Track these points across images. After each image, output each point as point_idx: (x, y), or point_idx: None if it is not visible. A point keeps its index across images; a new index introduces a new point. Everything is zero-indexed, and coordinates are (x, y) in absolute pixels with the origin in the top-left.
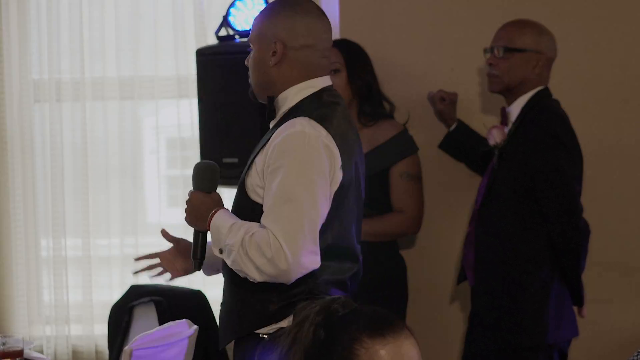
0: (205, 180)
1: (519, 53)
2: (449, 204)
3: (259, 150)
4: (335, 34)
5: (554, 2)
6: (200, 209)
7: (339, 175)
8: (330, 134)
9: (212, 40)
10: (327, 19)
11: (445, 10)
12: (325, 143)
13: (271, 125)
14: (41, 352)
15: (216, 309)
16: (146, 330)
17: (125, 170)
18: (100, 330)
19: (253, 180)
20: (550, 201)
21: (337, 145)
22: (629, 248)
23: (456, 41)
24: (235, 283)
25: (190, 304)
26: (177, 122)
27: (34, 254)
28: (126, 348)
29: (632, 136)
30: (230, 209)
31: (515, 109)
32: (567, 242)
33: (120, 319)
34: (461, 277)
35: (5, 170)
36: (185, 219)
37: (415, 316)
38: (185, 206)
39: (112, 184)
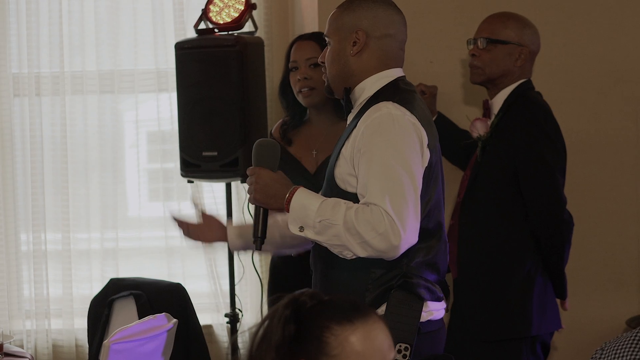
0: (272, 157)
1: (501, 45)
2: None
3: (345, 140)
4: (314, 27)
5: None
6: (274, 186)
7: (427, 154)
8: (414, 115)
9: (191, 34)
10: (403, 15)
11: (423, 3)
12: (412, 122)
13: (350, 117)
14: (21, 346)
15: (196, 303)
16: (126, 324)
17: (105, 164)
18: (80, 324)
19: (343, 170)
20: (534, 193)
21: (422, 125)
22: (608, 240)
23: (435, 34)
24: (330, 277)
25: (170, 298)
26: (157, 115)
27: (14, 249)
28: (106, 342)
29: (610, 129)
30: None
31: (497, 101)
32: (551, 234)
33: (100, 312)
34: None
35: None
36: (254, 197)
37: None
38: (253, 184)
39: (92, 178)
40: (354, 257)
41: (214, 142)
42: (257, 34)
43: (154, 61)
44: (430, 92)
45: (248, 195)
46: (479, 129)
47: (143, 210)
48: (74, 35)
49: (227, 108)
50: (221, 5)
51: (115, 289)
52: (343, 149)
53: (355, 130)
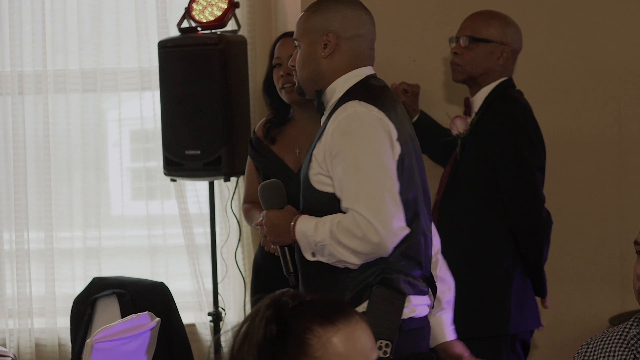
0: (274, 197)
1: (483, 43)
2: None
3: (316, 142)
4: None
5: None
6: (280, 224)
7: (397, 147)
8: (381, 110)
9: (174, 33)
10: (371, 14)
11: (406, 2)
12: (378, 117)
13: (323, 118)
14: (4, 345)
15: (179, 301)
16: (109, 323)
17: (88, 163)
18: (63, 323)
19: (315, 171)
20: (513, 191)
21: (389, 119)
22: (590, 238)
23: (417, 32)
24: (310, 277)
25: (152, 296)
26: (139, 114)
27: None
28: (88, 341)
29: (592, 127)
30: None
31: (478, 99)
32: (529, 232)
33: (83, 311)
34: None
35: None
36: (270, 239)
37: None
38: (264, 229)
39: (75, 177)
40: (357, 266)
41: (197, 141)
42: (240, 33)
43: (137, 59)
44: (413, 91)
45: (230, 194)
46: (459, 127)
47: (126, 209)
48: (57, 34)
49: (210, 106)
50: (204, 3)
51: (98, 288)
52: (315, 151)
53: (325, 132)
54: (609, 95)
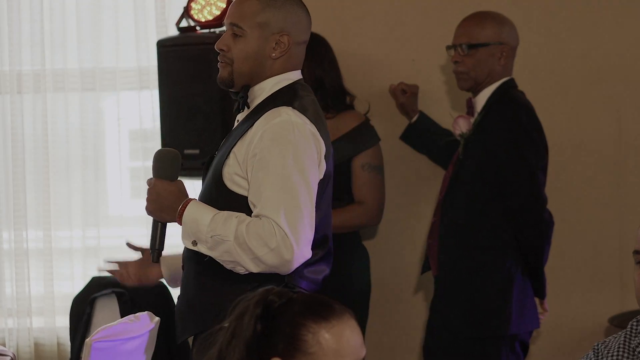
0: (169, 168)
1: (482, 48)
2: (411, 195)
3: (238, 139)
4: None
5: None
6: (167, 198)
7: (324, 165)
8: (314, 124)
9: (173, 32)
10: None
11: (406, 1)
12: (312, 132)
13: (242, 115)
14: (3, 344)
15: None
16: (108, 322)
17: (87, 162)
18: (62, 323)
19: (232, 169)
20: (515, 191)
21: (321, 135)
22: (589, 238)
23: (417, 32)
24: (203, 274)
25: (152, 296)
26: (138, 113)
27: None
28: (88, 340)
29: (592, 128)
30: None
31: (481, 100)
32: (531, 233)
33: (82, 311)
34: (425, 267)
35: None
36: (147, 208)
37: (379, 306)
38: (147, 195)
39: (74, 176)
40: (247, 272)
41: (196, 140)
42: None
43: (135, 59)
44: (411, 91)
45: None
46: (462, 127)
47: (125, 208)
48: (56, 33)
49: (208, 106)
50: (203, 3)
51: (97, 287)
52: (235, 148)
53: (250, 131)
54: (608, 96)
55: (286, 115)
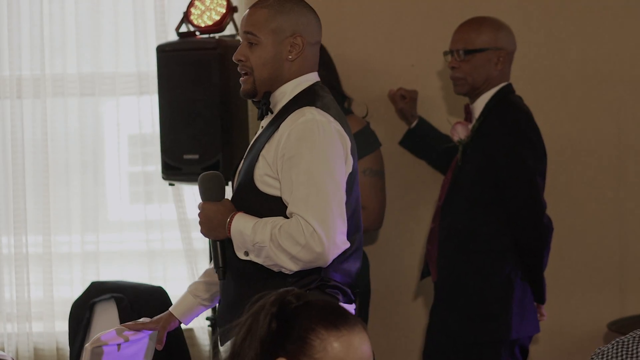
0: (214, 190)
1: (479, 53)
2: (411, 200)
3: (265, 142)
4: None
5: None
6: (216, 218)
7: (350, 160)
8: (337, 122)
9: (173, 37)
10: None
11: (405, 5)
12: (337, 129)
13: (265, 121)
14: (2, 349)
15: None
16: (107, 327)
17: (86, 167)
18: (61, 328)
19: (263, 171)
20: (514, 197)
21: (345, 132)
22: (589, 242)
23: (416, 37)
24: (243, 277)
25: (151, 301)
26: (138, 118)
27: None
28: (87, 345)
29: (592, 131)
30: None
31: (479, 105)
32: (531, 237)
33: (82, 315)
34: (425, 273)
35: None
36: (202, 231)
37: (379, 311)
38: (199, 219)
39: (73, 181)
40: (291, 272)
41: (196, 145)
42: (238, 37)
43: (135, 64)
44: (411, 97)
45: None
46: (460, 133)
47: (124, 213)
48: (55, 38)
49: (208, 111)
50: (203, 8)
51: (97, 292)
52: (264, 151)
53: (277, 134)
54: (608, 100)
55: (310, 114)
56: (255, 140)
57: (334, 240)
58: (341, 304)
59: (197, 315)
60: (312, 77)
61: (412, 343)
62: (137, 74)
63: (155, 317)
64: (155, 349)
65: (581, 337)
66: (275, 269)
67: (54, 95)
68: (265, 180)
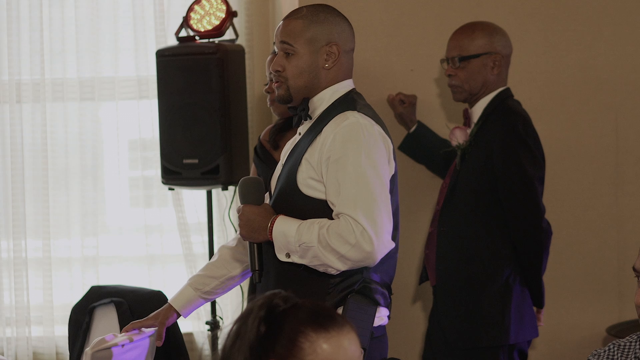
0: (254, 194)
1: (474, 59)
2: (410, 205)
3: (308, 146)
4: None
5: (511, 2)
6: (256, 220)
7: (393, 162)
8: (379, 125)
9: (172, 41)
10: None
11: (403, 10)
12: (379, 131)
13: (304, 127)
14: (2, 353)
15: None
16: (107, 332)
17: (86, 171)
18: (61, 332)
19: (306, 174)
20: (513, 201)
21: (387, 136)
22: (587, 247)
23: (415, 42)
24: (287, 280)
25: (151, 305)
26: (137, 123)
27: None
28: (87, 349)
29: (589, 137)
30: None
31: (477, 110)
32: (529, 242)
33: (81, 320)
34: (423, 277)
35: None
36: (241, 233)
37: None
38: (239, 221)
39: (73, 185)
40: (338, 272)
41: (195, 150)
42: (238, 42)
43: (134, 68)
44: (410, 101)
45: (228, 203)
46: (459, 138)
47: (124, 217)
48: (55, 42)
49: (208, 115)
50: (202, 12)
51: (96, 296)
52: (307, 155)
53: (320, 138)
54: (605, 105)
55: (353, 117)
56: (295, 145)
57: (383, 239)
58: (381, 307)
59: (195, 309)
60: (349, 84)
61: (411, 348)
62: (136, 78)
63: (154, 313)
64: (155, 353)
65: (580, 341)
66: (322, 269)
67: (54, 100)
68: (309, 184)
